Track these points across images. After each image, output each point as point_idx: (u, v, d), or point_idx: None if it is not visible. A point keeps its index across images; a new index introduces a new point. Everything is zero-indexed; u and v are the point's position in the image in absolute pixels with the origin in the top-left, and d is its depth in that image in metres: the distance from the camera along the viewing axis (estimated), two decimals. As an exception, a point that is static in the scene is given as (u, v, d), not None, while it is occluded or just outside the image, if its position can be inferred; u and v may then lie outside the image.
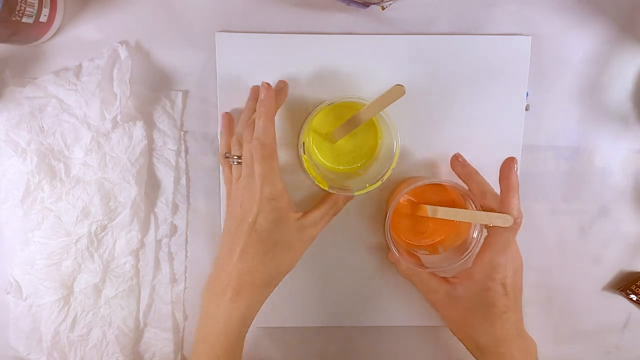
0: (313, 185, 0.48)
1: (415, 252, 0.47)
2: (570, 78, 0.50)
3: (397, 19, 0.48)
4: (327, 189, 0.44)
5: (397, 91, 0.40)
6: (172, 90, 0.49)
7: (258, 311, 0.43)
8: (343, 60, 0.48)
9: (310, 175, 0.44)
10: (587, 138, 0.51)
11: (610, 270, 0.53)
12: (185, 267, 0.51)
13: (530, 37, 0.48)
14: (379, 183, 0.43)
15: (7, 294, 0.49)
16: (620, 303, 0.53)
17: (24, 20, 0.42)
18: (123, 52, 0.46)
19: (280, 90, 0.46)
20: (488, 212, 0.41)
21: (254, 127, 0.42)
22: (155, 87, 0.48)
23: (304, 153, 0.44)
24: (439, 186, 0.47)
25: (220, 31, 0.48)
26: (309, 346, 0.53)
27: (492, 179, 0.44)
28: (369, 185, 0.44)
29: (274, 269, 0.42)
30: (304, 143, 0.45)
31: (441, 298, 0.45)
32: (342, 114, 0.46)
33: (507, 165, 0.42)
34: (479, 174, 0.45)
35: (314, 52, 0.48)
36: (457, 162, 0.46)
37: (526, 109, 0.49)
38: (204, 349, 0.42)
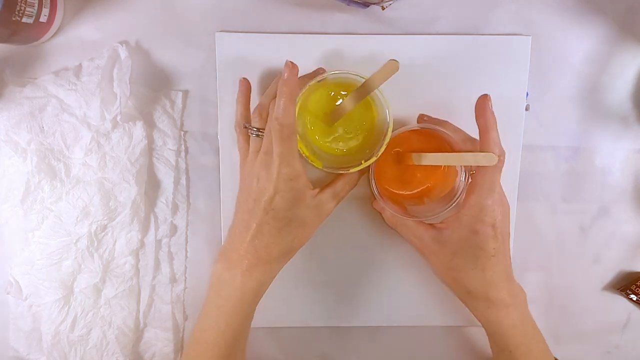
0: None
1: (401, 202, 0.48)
2: (570, 78, 0.50)
3: (397, 19, 0.48)
4: (320, 167, 0.45)
5: (391, 66, 0.40)
6: (172, 90, 0.49)
7: (272, 281, 0.44)
8: (343, 60, 0.48)
9: (304, 155, 0.44)
10: (587, 138, 0.51)
11: (610, 270, 0.53)
12: (185, 267, 0.51)
13: (530, 37, 0.48)
14: (374, 159, 0.44)
15: (7, 294, 0.49)
16: (620, 303, 0.53)
17: (24, 20, 0.42)
18: (123, 52, 0.46)
19: (312, 73, 0.46)
20: (473, 153, 0.41)
21: (270, 99, 0.42)
22: (155, 87, 0.48)
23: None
24: (423, 134, 0.47)
25: (220, 31, 0.48)
26: (309, 346, 0.53)
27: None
28: (364, 162, 0.44)
29: (288, 244, 0.43)
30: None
31: (429, 244, 0.45)
32: (335, 92, 0.46)
33: (482, 104, 0.41)
34: (450, 122, 0.46)
35: (314, 52, 0.48)
36: (423, 120, 0.47)
37: (526, 109, 0.49)
38: (217, 315, 0.43)
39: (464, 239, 0.42)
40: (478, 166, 0.41)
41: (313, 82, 0.43)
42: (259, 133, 0.43)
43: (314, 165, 0.44)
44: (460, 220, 0.42)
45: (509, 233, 0.44)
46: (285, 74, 0.40)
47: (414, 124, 0.46)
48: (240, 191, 0.45)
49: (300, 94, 0.43)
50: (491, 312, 0.43)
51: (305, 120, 0.46)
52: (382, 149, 0.43)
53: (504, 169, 0.41)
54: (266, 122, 0.43)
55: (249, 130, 0.44)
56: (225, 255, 0.44)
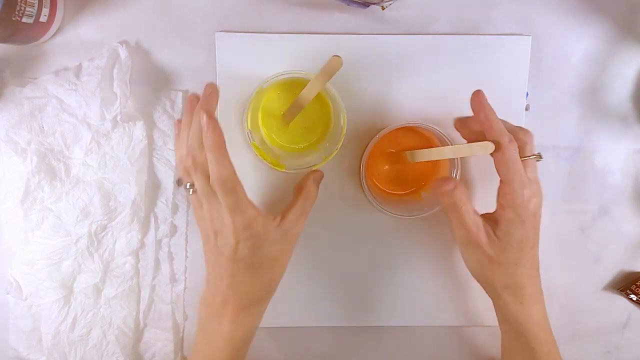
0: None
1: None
2: (570, 78, 0.50)
3: (397, 19, 0.48)
4: (284, 170, 0.45)
5: (334, 62, 0.41)
6: (172, 90, 0.49)
7: (260, 323, 0.44)
8: (343, 60, 0.48)
9: (265, 161, 0.45)
10: (587, 138, 0.51)
11: (610, 270, 0.53)
12: (185, 267, 0.51)
13: (530, 37, 0.48)
14: (335, 152, 0.45)
15: (7, 294, 0.49)
16: (620, 303, 0.53)
17: (24, 20, 0.42)
18: (123, 52, 0.46)
19: (210, 96, 0.40)
20: (468, 144, 0.41)
21: (199, 152, 0.39)
22: (155, 87, 0.48)
23: (252, 140, 0.45)
24: (413, 132, 0.47)
25: (220, 31, 0.48)
26: (309, 346, 0.53)
27: (493, 179, 0.44)
28: (326, 157, 0.45)
29: (267, 283, 0.43)
30: (251, 131, 0.45)
31: (480, 237, 0.42)
32: (290, 92, 0.46)
33: (477, 98, 0.42)
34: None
35: (314, 52, 0.48)
36: (460, 122, 0.45)
37: (526, 109, 0.49)
38: None
39: (514, 232, 0.41)
40: (497, 162, 0.41)
41: (259, 86, 0.44)
42: (192, 190, 0.41)
43: (277, 169, 0.45)
44: (508, 213, 0.41)
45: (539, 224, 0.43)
46: (205, 125, 0.37)
47: (401, 122, 0.45)
48: (203, 243, 0.43)
49: (251, 100, 0.44)
50: (522, 308, 0.43)
51: (262, 124, 0.46)
52: (341, 142, 0.44)
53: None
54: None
55: (185, 190, 0.41)
56: (206, 303, 0.43)
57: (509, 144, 0.40)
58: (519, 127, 0.43)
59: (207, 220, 0.41)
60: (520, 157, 0.40)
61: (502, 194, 0.41)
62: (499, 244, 0.41)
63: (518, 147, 0.40)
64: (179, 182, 0.43)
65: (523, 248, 0.41)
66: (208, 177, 0.39)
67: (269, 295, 0.44)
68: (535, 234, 0.42)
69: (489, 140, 0.40)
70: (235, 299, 0.41)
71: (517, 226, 0.41)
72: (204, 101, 0.40)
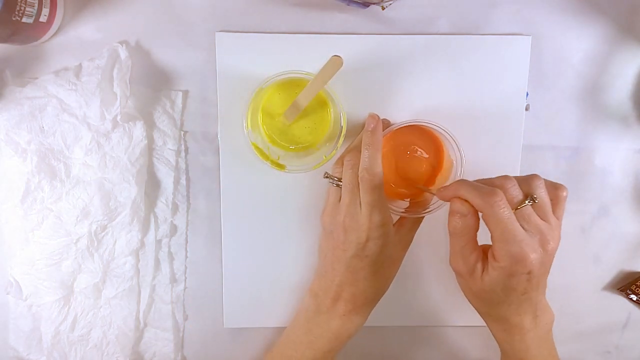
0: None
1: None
2: (570, 78, 0.50)
3: (397, 19, 0.48)
4: (284, 170, 0.45)
5: (334, 62, 0.41)
6: (172, 90, 0.49)
7: (365, 322, 0.46)
8: (343, 60, 0.48)
9: (265, 161, 0.45)
10: (587, 138, 0.51)
11: (610, 270, 0.53)
12: (185, 267, 0.51)
13: (530, 37, 0.48)
14: (334, 153, 0.45)
15: (7, 294, 0.49)
16: (620, 303, 0.53)
17: (24, 20, 0.42)
18: (123, 52, 0.46)
19: (388, 129, 0.45)
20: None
21: (356, 153, 0.43)
22: (155, 87, 0.48)
23: (252, 140, 0.45)
24: (415, 130, 0.47)
25: (220, 31, 0.48)
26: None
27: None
28: (326, 157, 0.45)
29: (382, 285, 0.45)
30: (251, 130, 0.45)
31: (463, 272, 0.41)
32: (290, 92, 0.46)
33: (446, 193, 0.40)
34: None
35: (314, 52, 0.48)
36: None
37: (526, 109, 0.49)
38: (305, 349, 0.45)
39: (500, 281, 0.39)
40: (485, 215, 0.38)
41: (259, 86, 0.44)
42: (339, 183, 0.44)
43: (277, 170, 0.45)
44: (498, 261, 0.38)
45: (549, 271, 0.41)
46: (371, 126, 0.42)
47: (406, 120, 0.46)
48: (325, 239, 0.46)
49: (251, 100, 0.44)
50: (506, 334, 0.43)
51: (262, 123, 0.46)
52: (341, 142, 0.45)
53: (504, 169, 0.41)
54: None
55: (329, 180, 0.45)
56: (316, 294, 0.46)
57: (489, 200, 0.37)
58: (527, 175, 0.40)
59: (339, 215, 0.43)
60: (513, 208, 0.37)
61: (495, 250, 0.39)
62: (482, 286, 0.40)
63: (512, 197, 0.38)
64: (326, 175, 0.45)
65: (509, 294, 0.39)
66: (357, 175, 0.42)
67: (379, 297, 0.45)
68: (530, 285, 0.39)
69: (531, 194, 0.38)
70: (351, 296, 0.43)
71: (504, 277, 0.38)
72: (375, 115, 0.45)
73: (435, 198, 0.46)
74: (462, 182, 0.39)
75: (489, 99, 0.49)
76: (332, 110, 0.46)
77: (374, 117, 0.43)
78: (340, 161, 0.45)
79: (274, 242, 0.51)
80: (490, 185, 0.38)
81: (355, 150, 0.44)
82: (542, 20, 0.49)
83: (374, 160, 0.41)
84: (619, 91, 0.50)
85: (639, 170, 0.51)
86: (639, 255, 0.52)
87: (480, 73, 0.49)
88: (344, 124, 0.45)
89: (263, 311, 0.52)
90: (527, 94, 0.49)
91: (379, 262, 0.43)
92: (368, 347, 0.53)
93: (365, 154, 0.42)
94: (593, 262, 0.52)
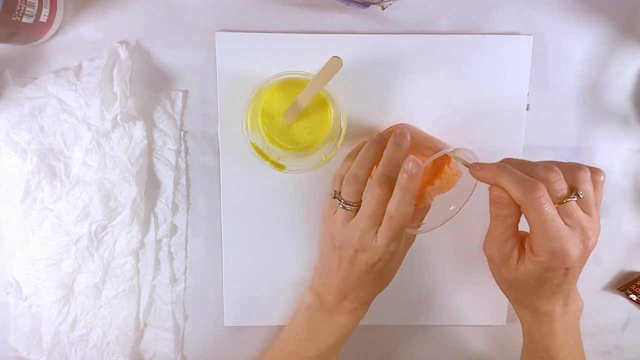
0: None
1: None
2: (571, 78, 0.50)
3: (397, 19, 0.48)
4: (284, 170, 0.46)
5: (334, 62, 0.41)
6: (172, 90, 0.49)
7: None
8: (343, 60, 0.48)
9: (265, 161, 0.45)
10: (587, 138, 0.51)
11: (610, 270, 0.53)
12: (185, 267, 0.51)
13: (531, 37, 0.48)
14: (334, 153, 0.45)
15: (7, 294, 0.49)
16: (620, 303, 0.53)
17: (24, 20, 0.42)
18: (123, 52, 0.46)
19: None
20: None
21: (384, 185, 0.39)
22: (155, 87, 0.48)
23: (252, 140, 0.45)
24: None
25: (220, 31, 0.48)
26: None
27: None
28: (326, 157, 0.45)
29: (385, 285, 0.46)
30: (250, 131, 0.45)
31: (498, 262, 0.40)
32: (290, 92, 0.46)
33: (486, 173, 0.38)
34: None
35: (314, 52, 0.48)
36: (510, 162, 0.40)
37: (527, 109, 0.49)
38: (308, 345, 0.45)
39: (534, 273, 0.38)
40: (524, 209, 0.36)
41: (259, 87, 0.44)
42: (347, 207, 0.41)
43: (277, 170, 0.46)
44: (535, 255, 0.37)
45: (585, 263, 0.40)
46: (413, 171, 0.38)
47: (445, 149, 0.42)
48: (330, 245, 0.44)
49: (251, 100, 0.44)
50: (534, 320, 0.42)
51: (261, 124, 0.46)
52: (341, 142, 0.45)
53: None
54: (359, 197, 0.41)
55: (338, 203, 0.42)
56: (318, 294, 0.46)
57: (529, 196, 0.35)
58: (571, 164, 0.38)
59: (350, 235, 0.41)
60: (555, 203, 0.36)
61: (533, 244, 0.37)
62: (516, 275, 0.39)
63: (557, 191, 0.36)
64: (334, 195, 0.43)
65: (543, 286, 0.39)
66: (383, 209, 0.40)
67: (383, 289, 0.47)
68: (565, 278, 0.38)
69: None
70: (358, 296, 0.44)
71: (540, 271, 0.38)
72: (418, 161, 0.40)
73: (430, 211, 0.45)
74: (503, 168, 0.37)
75: (489, 99, 0.49)
76: (332, 110, 0.46)
77: (416, 161, 0.38)
78: (340, 177, 0.43)
79: (273, 241, 0.51)
80: (533, 176, 0.36)
81: (387, 181, 0.40)
82: (542, 20, 0.49)
83: (410, 206, 0.39)
84: (619, 91, 0.50)
85: (639, 170, 0.51)
86: (639, 255, 0.52)
87: (480, 73, 0.49)
88: (343, 124, 0.45)
89: (263, 309, 0.52)
90: (528, 94, 0.49)
91: (385, 272, 0.44)
92: (368, 346, 0.53)
93: (401, 197, 0.39)
94: (593, 262, 0.52)
